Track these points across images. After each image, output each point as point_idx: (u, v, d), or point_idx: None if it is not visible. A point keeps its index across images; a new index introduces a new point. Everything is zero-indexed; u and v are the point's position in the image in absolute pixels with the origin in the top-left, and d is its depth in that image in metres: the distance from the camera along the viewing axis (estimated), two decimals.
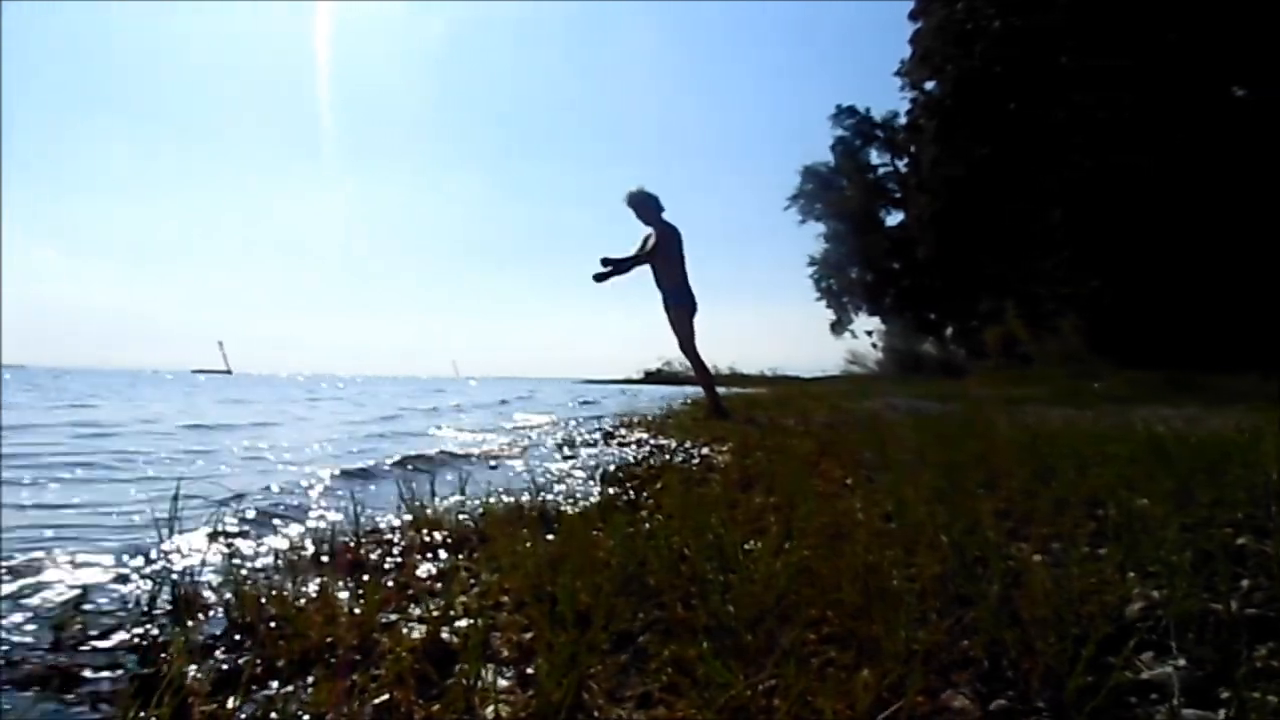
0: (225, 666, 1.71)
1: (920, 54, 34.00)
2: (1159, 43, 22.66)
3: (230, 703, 1.52)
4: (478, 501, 3.28)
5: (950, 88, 31.10)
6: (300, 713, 1.50)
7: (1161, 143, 22.43)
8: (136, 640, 1.87)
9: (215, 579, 2.26)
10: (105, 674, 1.71)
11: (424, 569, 2.46)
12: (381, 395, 25.02)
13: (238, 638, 1.88)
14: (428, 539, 2.80)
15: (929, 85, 34.43)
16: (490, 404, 18.91)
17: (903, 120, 41.40)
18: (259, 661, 1.71)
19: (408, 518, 3.07)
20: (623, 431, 8.38)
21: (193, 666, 1.70)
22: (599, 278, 8.79)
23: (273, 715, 1.49)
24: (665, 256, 8.89)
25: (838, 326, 49.22)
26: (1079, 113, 24.16)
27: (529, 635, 1.81)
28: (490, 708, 1.51)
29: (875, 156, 46.68)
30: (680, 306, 8.96)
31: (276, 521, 3.27)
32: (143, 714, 1.50)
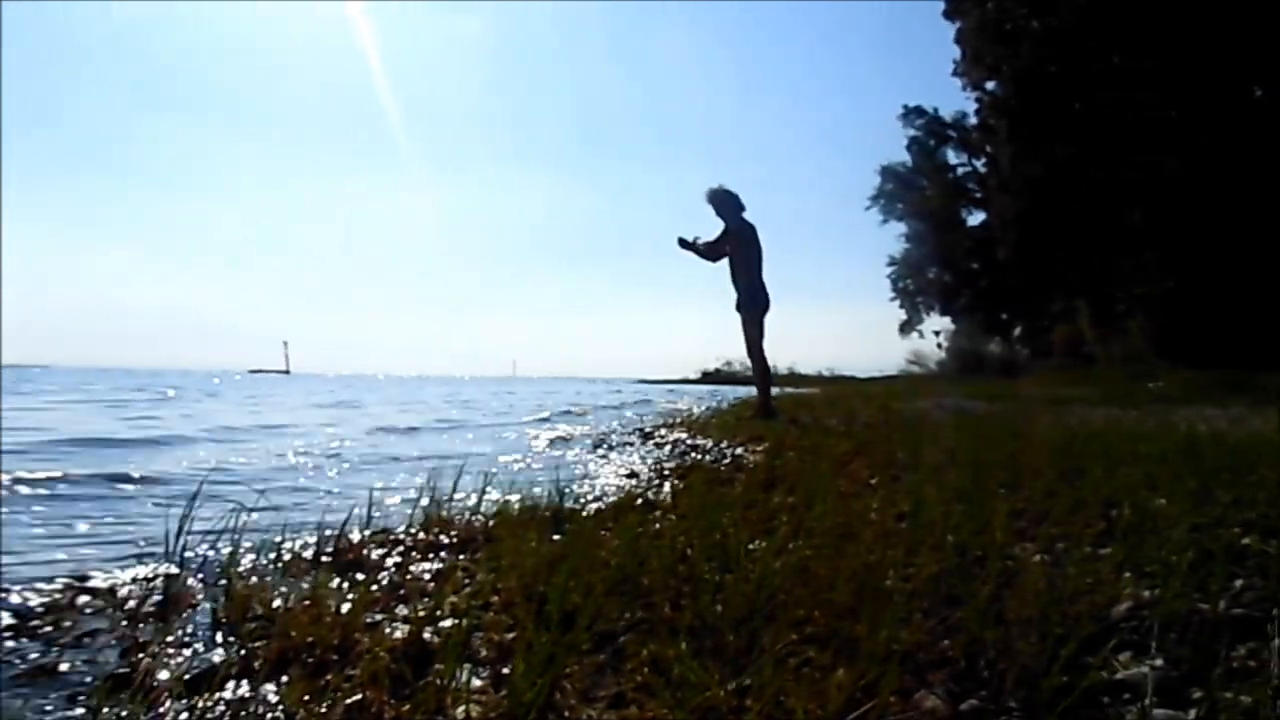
0: (203, 665, 1.71)
1: (970, 54, 33.54)
2: (1218, 43, 22.13)
3: (202, 702, 1.52)
4: (494, 501, 3.28)
5: (1011, 88, 30.64)
6: (270, 712, 1.50)
7: (1233, 143, 21.89)
8: (119, 638, 1.89)
9: (212, 577, 2.28)
10: (87, 671, 1.73)
11: (421, 568, 2.46)
12: (491, 398, 24.87)
13: (219, 636, 1.89)
14: (434, 539, 2.80)
15: (989, 85, 33.96)
16: (609, 406, 18.48)
17: (973, 120, 40.91)
18: (236, 660, 1.72)
19: (419, 517, 3.08)
20: (662, 431, 8.36)
21: (170, 664, 1.71)
22: (682, 243, 8.79)
23: (243, 714, 1.50)
24: (744, 255, 8.87)
25: (906, 326, 48.81)
26: (1145, 111, 23.68)
27: (511, 635, 1.80)
28: (461, 708, 1.49)
29: (953, 156, 46.18)
30: (753, 307, 8.93)
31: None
32: (114, 711, 1.52)
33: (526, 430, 10.11)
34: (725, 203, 8.95)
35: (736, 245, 8.84)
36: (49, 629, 1.97)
